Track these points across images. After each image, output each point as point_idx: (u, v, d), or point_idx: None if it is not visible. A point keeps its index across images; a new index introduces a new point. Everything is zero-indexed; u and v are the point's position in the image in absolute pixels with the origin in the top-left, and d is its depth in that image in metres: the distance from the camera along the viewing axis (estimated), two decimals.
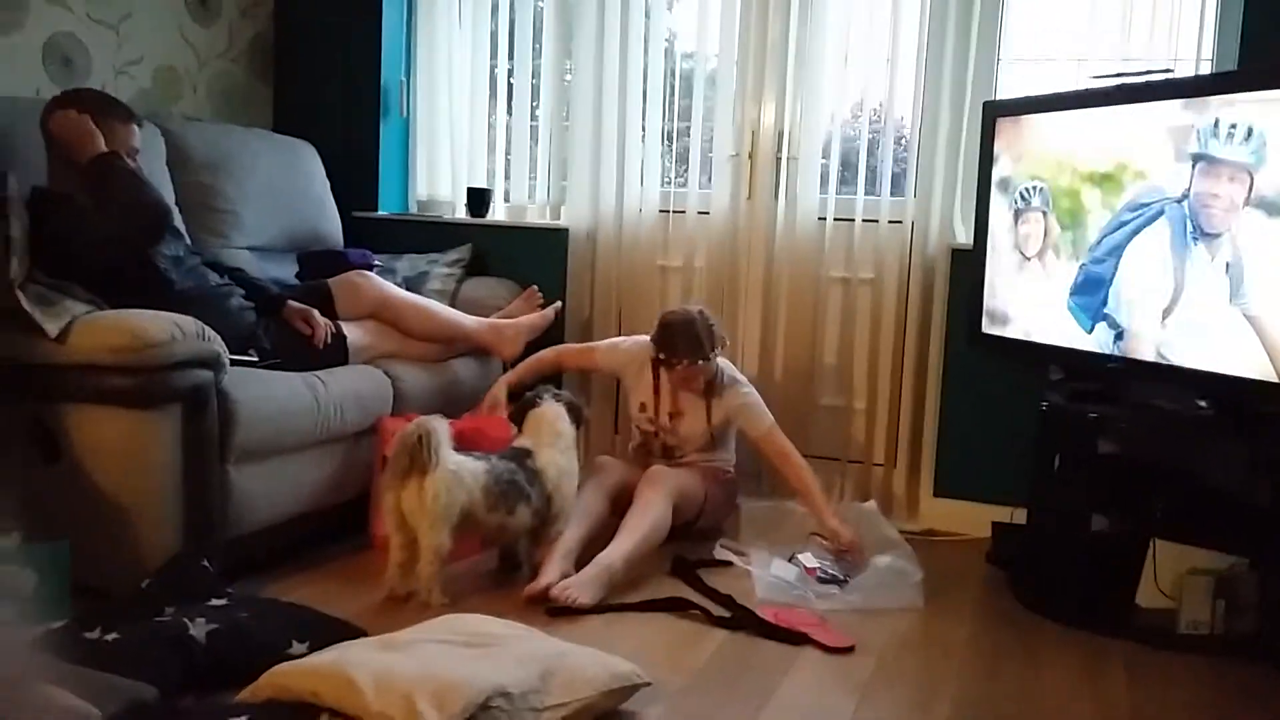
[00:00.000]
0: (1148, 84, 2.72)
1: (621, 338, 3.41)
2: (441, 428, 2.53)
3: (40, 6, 3.20)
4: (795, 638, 2.45)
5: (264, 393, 2.64)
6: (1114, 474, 2.71)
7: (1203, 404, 2.64)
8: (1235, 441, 2.58)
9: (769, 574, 2.77)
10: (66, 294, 2.52)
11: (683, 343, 3.02)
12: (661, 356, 3.06)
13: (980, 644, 2.52)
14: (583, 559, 2.70)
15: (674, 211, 3.73)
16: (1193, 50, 3.16)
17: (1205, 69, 3.13)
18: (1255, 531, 2.53)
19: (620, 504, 2.93)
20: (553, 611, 2.51)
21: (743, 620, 2.53)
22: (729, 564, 2.93)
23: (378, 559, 2.74)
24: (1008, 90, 3.37)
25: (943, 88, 3.35)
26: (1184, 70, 3.13)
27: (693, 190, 3.71)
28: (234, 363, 2.59)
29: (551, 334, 3.55)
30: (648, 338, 3.14)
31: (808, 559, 2.87)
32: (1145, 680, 2.35)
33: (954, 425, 3.43)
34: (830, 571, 2.82)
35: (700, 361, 3.02)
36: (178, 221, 3.06)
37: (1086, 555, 2.71)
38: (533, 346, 3.45)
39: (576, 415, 2.88)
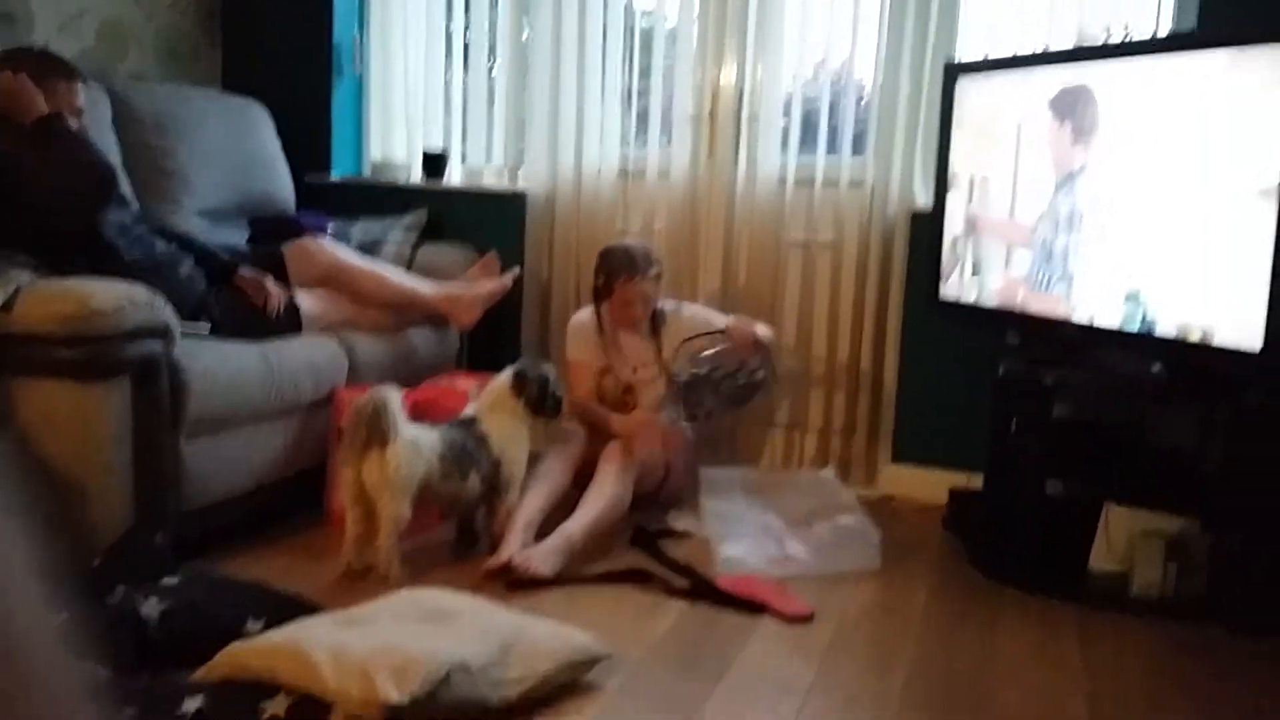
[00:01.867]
0: (1105, 45, 2.71)
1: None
2: (396, 398, 2.51)
3: None
4: (754, 607, 2.46)
5: (216, 363, 2.59)
6: (1069, 438, 2.74)
7: (1156, 368, 2.66)
8: (1187, 405, 2.61)
9: (727, 546, 2.78)
10: (11, 263, 2.45)
11: (618, 259, 3.09)
12: (600, 282, 3.11)
13: (937, 610, 2.55)
14: (544, 531, 2.69)
15: (634, 173, 3.69)
16: (1151, 14, 3.16)
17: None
18: (1205, 493, 2.57)
19: (584, 475, 2.92)
20: (512, 584, 2.50)
21: (702, 590, 2.54)
22: (689, 534, 2.94)
23: (334, 533, 2.72)
24: (968, 51, 3.35)
25: (904, 48, 3.31)
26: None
27: (653, 151, 3.67)
28: (185, 332, 2.54)
29: (510, 301, 3.52)
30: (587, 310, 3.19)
31: (682, 370, 3.01)
32: (1098, 643, 2.39)
33: (912, 391, 3.43)
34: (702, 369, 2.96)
35: (636, 278, 3.05)
36: (124, 187, 2.98)
37: (1041, 520, 2.74)
38: (491, 314, 3.41)
39: (525, 384, 2.78)
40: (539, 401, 2.79)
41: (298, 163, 3.82)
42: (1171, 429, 2.67)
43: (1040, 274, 2.86)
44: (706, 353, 3.03)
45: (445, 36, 3.99)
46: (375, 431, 2.45)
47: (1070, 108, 2.74)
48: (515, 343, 3.58)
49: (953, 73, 3.11)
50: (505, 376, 2.80)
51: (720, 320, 3.13)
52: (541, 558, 2.56)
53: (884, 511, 3.20)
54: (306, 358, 2.87)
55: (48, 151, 2.57)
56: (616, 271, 3.08)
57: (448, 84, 4.04)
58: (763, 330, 3.08)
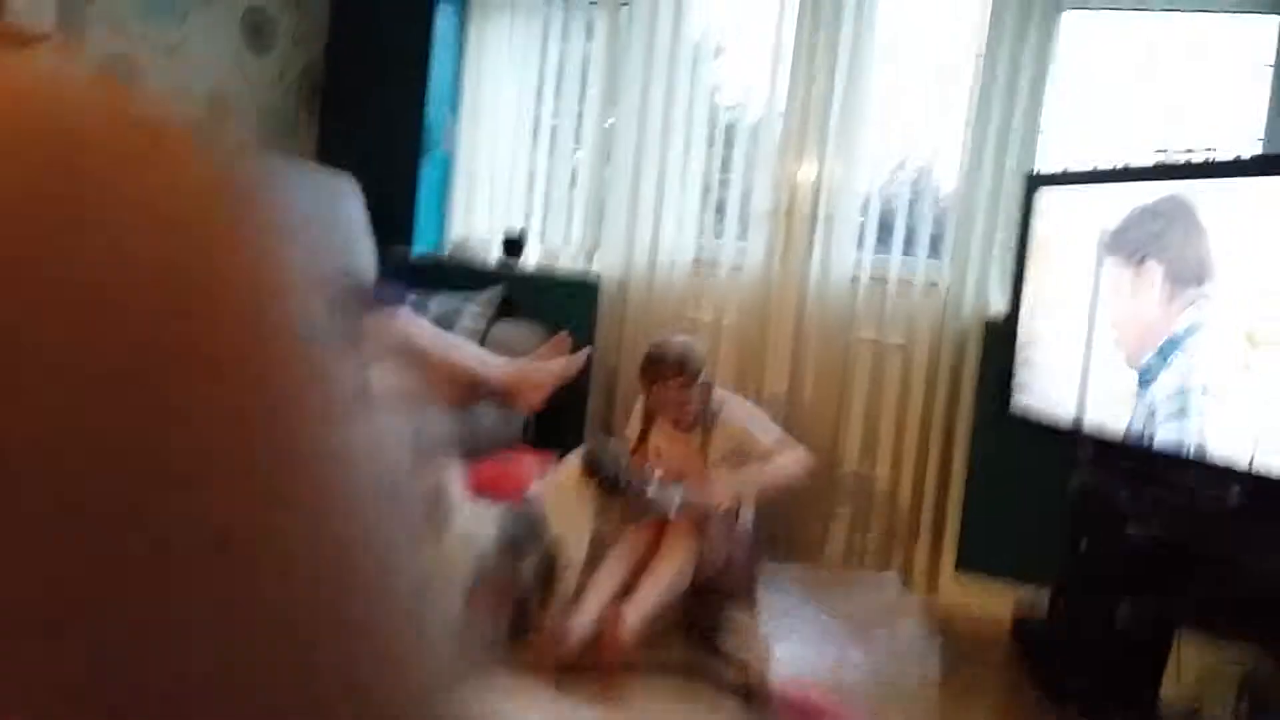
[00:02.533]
0: (1189, 163, 2.69)
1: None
2: (455, 481, 2.52)
3: (95, 29, 3.26)
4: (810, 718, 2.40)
5: None
6: (1142, 560, 2.65)
7: (1236, 495, 2.58)
8: (1269, 533, 2.52)
9: (784, 646, 2.72)
10: None
11: (648, 360, 2.98)
12: (646, 377, 3.00)
13: None
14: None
15: (708, 264, 3.72)
16: (1239, 133, 3.13)
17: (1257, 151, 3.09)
18: None
19: (645, 558, 2.85)
20: (563, 668, 2.47)
21: (756, 693, 2.48)
22: (745, 629, 2.88)
23: None
24: (1049, 162, 3.34)
25: (985, 154, 3.32)
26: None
27: (728, 244, 3.70)
28: None
29: (578, 382, 3.52)
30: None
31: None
32: None
33: (979, 499, 3.36)
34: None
35: (658, 383, 2.95)
36: None
37: (1111, 645, 2.64)
38: (558, 395, 3.42)
39: (597, 466, 2.80)
40: (611, 483, 2.79)
41: (382, 236, 3.92)
42: (1252, 558, 2.57)
43: (1122, 401, 2.80)
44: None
45: (534, 120, 4.09)
46: (429, 519, 2.45)
47: (1157, 240, 2.70)
48: (580, 424, 3.59)
49: (1034, 183, 3.10)
50: (575, 457, 2.80)
51: (766, 435, 3.02)
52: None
53: (946, 621, 3.10)
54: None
55: None
56: (645, 373, 3.00)
57: (532, 167, 4.13)
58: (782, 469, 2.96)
